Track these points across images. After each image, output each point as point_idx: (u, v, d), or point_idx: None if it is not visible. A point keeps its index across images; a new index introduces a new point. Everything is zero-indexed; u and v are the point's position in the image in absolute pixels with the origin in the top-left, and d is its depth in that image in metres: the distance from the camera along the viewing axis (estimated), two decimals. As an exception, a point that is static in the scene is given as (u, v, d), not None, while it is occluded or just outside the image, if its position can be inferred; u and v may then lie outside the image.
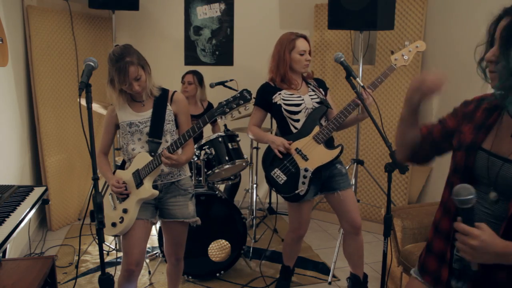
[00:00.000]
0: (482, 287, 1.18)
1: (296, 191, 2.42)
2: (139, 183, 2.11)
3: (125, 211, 2.13)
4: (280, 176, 2.45)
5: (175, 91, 2.23)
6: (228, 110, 1.97)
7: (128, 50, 2.03)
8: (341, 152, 2.44)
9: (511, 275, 1.14)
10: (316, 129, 2.43)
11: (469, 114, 1.34)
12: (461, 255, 1.14)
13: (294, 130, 2.47)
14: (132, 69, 2.00)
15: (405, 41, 2.53)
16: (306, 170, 2.41)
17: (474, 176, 1.24)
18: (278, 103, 2.46)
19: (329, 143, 2.46)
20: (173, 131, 2.20)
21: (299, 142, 2.43)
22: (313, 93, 2.53)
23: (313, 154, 2.41)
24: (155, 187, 2.14)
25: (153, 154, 2.11)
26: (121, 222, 2.12)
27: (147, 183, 2.11)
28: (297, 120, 2.47)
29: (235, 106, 1.97)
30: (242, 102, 1.97)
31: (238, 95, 1.97)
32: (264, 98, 2.51)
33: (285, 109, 2.45)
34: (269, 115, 2.64)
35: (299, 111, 2.45)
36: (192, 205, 2.26)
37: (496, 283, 1.16)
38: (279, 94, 2.48)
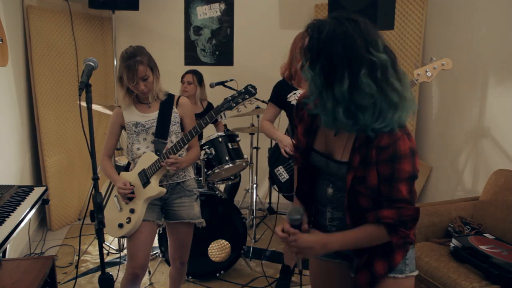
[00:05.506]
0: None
1: None
2: (146, 182, 2.13)
3: (132, 211, 2.13)
4: (282, 174, 2.47)
5: (180, 96, 2.28)
6: (234, 105, 2.03)
7: (141, 51, 2.09)
8: None
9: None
10: None
11: (300, 115, 1.48)
12: (297, 256, 1.37)
13: None
14: (141, 68, 2.04)
15: (432, 56, 2.44)
16: None
17: (317, 171, 1.46)
18: (292, 103, 2.47)
19: None
20: (179, 132, 2.23)
21: None
22: None
23: None
24: (161, 187, 2.16)
25: (158, 153, 2.13)
26: (128, 223, 2.12)
27: (154, 181, 2.12)
28: None
29: (240, 101, 2.03)
30: (248, 96, 2.03)
31: (243, 90, 2.04)
32: (279, 96, 2.52)
33: None
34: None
35: None
36: (197, 206, 2.28)
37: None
38: (294, 94, 2.48)
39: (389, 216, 1.27)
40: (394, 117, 1.21)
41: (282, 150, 2.44)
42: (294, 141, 1.56)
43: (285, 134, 2.60)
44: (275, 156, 2.53)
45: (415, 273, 1.43)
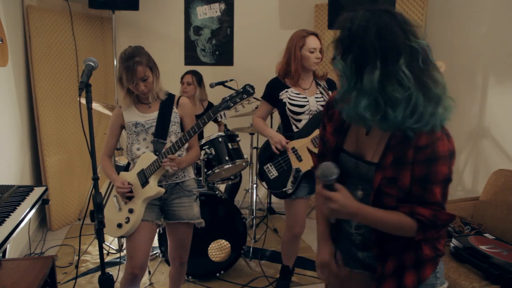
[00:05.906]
0: (382, 253, 1.33)
1: (284, 189, 2.45)
2: (144, 182, 2.13)
3: (131, 211, 2.13)
4: (271, 171, 2.49)
5: (180, 96, 2.28)
6: (232, 104, 2.04)
7: (139, 51, 2.08)
8: None
9: (398, 243, 1.30)
10: (316, 132, 2.44)
11: (330, 115, 1.42)
12: (326, 213, 1.30)
13: (296, 129, 2.50)
14: (140, 68, 2.04)
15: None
16: (298, 170, 2.44)
17: (344, 174, 1.35)
18: (283, 100, 2.49)
19: None
20: (178, 132, 2.23)
21: (297, 142, 2.46)
22: (320, 95, 2.54)
23: (307, 157, 2.42)
24: (160, 187, 2.16)
25: (157, 153, 2.13)
26: (127, 223, 2.13)
27: (153, 181, 2.13)
28: (299, 120, 2.49)
29: (238, 100, 2.03)
30: (246, 96, 2.04)
31: (241, 90, 2.04)
32: (272, 93, 2.54)
33: (288, 108, 2.48)
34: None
35: (302, 112, 2.47)
36: (196, 207, 2.28)
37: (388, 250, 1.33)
38: (286, 91, 2.50)
39: (425, 215, 1.22)
40: (435, 114, 1.13)
41: (273, 147, 2.47)
42: (319, 148, 1.49)
43: (277, 131, 2.62)
44: (266, 153, 2.55)
45: (445, 285, 1.36)
